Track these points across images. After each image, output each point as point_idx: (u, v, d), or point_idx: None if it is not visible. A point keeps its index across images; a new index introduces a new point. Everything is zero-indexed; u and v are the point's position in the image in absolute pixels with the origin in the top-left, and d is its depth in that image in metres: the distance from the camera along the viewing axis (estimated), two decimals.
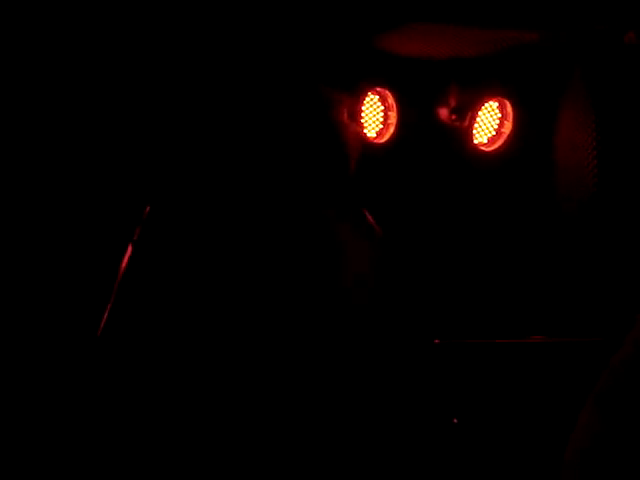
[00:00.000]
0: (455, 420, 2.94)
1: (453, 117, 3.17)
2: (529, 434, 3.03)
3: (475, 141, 3.21)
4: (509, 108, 3.18)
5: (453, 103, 3.16)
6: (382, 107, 3.14)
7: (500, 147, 3.21)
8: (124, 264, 2.99)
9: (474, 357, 3.07)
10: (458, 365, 3.04)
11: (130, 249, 3.00)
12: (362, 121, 3.14)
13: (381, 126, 3.16)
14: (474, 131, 3.19)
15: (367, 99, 3.13)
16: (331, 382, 2.91)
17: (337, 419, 2.90)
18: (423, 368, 3.05)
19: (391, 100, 3.14)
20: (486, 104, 3.17)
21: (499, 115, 3.20)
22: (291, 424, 2.87)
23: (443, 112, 3.17)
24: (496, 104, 3.18)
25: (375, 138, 3.17)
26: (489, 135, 3.21)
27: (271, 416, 2.86)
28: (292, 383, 2.89)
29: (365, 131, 3.15)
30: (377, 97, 3.14)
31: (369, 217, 2.97)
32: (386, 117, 3.15)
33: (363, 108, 3.14)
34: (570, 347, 3.06)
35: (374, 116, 3.15)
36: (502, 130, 3.20)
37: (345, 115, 3.13)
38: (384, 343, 3.00)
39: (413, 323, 3.10)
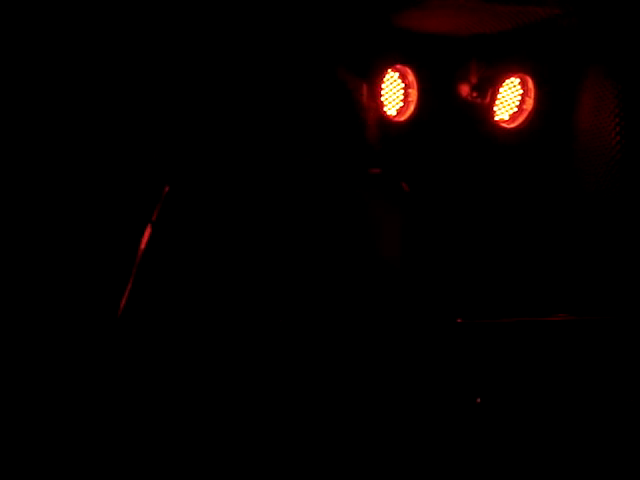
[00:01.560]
0: (478, 400, 2.93)
1: (474, 94, 3.14)
2: (552, 413, 3.02)
3: (496, 118, 3.18)
4: (531, 84, 3.15)
5: (474, 80, 3.13)
6: (402, 85, 3.12)
7: (522, 124, 3.18)
8: (143, 245, 2.98)
9: (497, 336, 3.05)
10: (481, 344, 3.02)
11: (149, 230, 3.00)
12: (382, 99, 3.12)
13: (402, 104, 3.14)
14: (495, 108, 3.16)
15: (387, 77, 3.11)
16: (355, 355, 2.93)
17: (358, 395, 2.91)
18: (446, 347, 3.04)
19: (411, 77, 3.12)
20: (507, 80, 3.14)
21: (520, 92, 3.17)
22: (312, 394, 2.89)
23: (464, 89, 3.15)
24: (518, 80, 3.15)
25: (396, 116, 3.15)
26: (511, 112, 3.18)
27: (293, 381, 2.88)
28: (316, 352, 2.91)
29: (386, 109, 3.13)
30: (397, 74, 3.12)
31: (399, 189, 2.98)
32: (406, 95, 3.13)
33: (383, 86, 3.11)
34: (594, 325, 3.03)
35: (394, 94, 3.13)
36: (524, 107, 3.17)
37: (365, 96, 3.12)
38: (408, 321, 3.00)
39: (436, 302, 3.09)
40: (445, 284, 3.18)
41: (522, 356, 3.05)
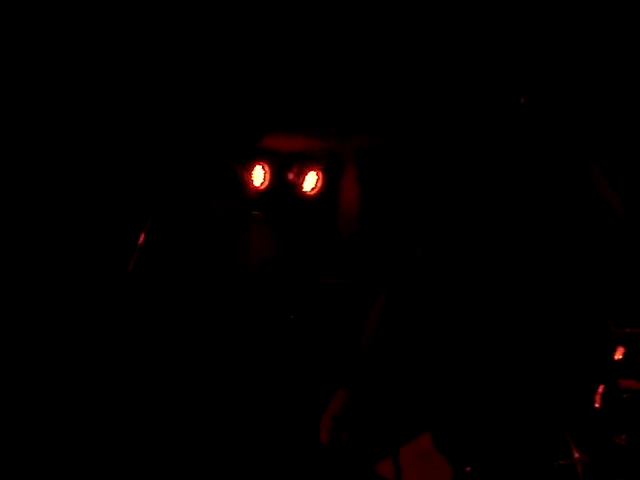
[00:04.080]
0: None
1: (294, 177, 6.80)
2: None
3: (304, 189, 6.86)
4: (319, 175, 6.87)
5: (295, 171, 6.80)
6: (263, 171, 6.72)
7: (316, 193, 6.88)
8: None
9: None
10: None
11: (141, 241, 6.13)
12: (252, 178, 6.68)
13: (262, 180, 6.72)
14: (303, 184, 6.84)
15: (256, 167, 6.69)
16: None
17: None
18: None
19: (267, 169, 6.73)
20: (310, 172, 6.85)
21: (315, 178, 6.88)
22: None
23: (290, 175, 6.81)
24: (314, 172, 6.87)
25: (259, 187, 6.72)
26: (311, 187, 6.87)
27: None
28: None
29: (254, 183, 6.69)
30: (261, 167, 6.71)
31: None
32: (264, 177, 6.73)
33: (253, 172, 6.69)
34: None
35: (259, 176, 6.71)
36: (317, 185, 6.88)
37: (244, 175, 6.66)
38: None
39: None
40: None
41: None
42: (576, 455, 3.64)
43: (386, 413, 2.19)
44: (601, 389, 3.50)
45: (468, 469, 2.23)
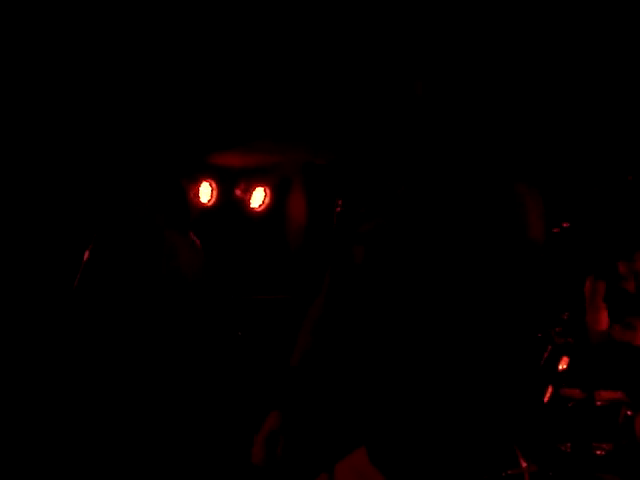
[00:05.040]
0: None
1: (242, 193, 6.80)
2: None
3: (251, 205, 6.86)
4: (268, 191, 6.88)
5: (242, 187, 6.80)
6: (210, 188, 6.70)
7: (264, 209, 6.89)
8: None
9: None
10: None
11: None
12: (200, 194, 6.67)
13: (209, 197, 6.70)
14: (251, 200, 6.84)
15: (203, 183, 6.67)
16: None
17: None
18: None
19: (214, 185, 6.71)
20: (257, 188, 6.85)
21: (263, 194, 6.89)
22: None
23: (238, 191, 6.80)
24: (262, 188, 6.87)
25: (206, 203, 6.70)
26: (259, 203, 6.87)
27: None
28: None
29: (201, 199, 6.68)
30: (208, 183, 6.70)
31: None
32: (212, 193, 6.71)
33: (200, 188, 6.67)
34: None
35: (206, 192, 6.70)
36: (265, 201, 6.88)
37: (191, 192, 6.65)
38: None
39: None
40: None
41: None
42: (524, 464, 3.73)
43: (320, 431, 2.11)
44: (546, 398, 3.57)
45: None
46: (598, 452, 3.66)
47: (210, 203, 6.71)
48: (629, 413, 3.80)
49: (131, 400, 3.86)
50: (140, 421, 3.83)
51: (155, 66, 5.16)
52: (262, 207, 6.91)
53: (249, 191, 6.84)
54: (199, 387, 4.14)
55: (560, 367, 3.67)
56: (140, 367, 3.89)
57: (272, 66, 4.68)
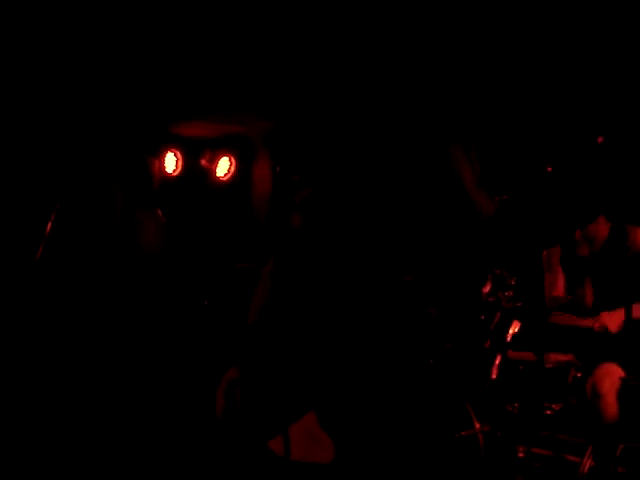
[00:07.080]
0: None
1: (207, 163, 6.84)
2: None
3: (217, 174, 6.91)
4: (233, 160, 6.93)
5: (208, 157, 6.84)
6: (175, 158, 6.74)
7: (229, 179, 6.93)
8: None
9: None
10: None
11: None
12: (165, 165, 6.71)
13: (174, 167, 6.74)
14: (217, 169, 6.89)
15: (168, 153, 6.71)
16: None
17: None
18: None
19: (179, 155, 6.75)
20: (222, 157, 6.89)
21: (229, 163, 6.93)
22: None
23: (203, 161, 6.84)
24: (227, 158, 6.92)
25: (171, 173, 6.74)
26: (224, 172, 6.92)
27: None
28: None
29: (166, 169, 6.72)
30: (172, 153, 6.73)
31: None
32: (177, 163, 6.75)
33: (165, 158, 6.70)
34: None
35: (171, 162, 6.73)
36: (230, 170, 6.93)
37: (157, 163, 6.68)
38: None
39: None
40: None
41: None
42: (477, 425, 3.85)
43: (274, 390, 2.22)
44: (497, 361, 3.67)
45: None
46: (548, 412, 3.79)
47: (175, 173, 6.74)
48: (578, 375, 3.92)
49: (105, 372, 3.93)
50: (115, 390, 3.92)
51: (117, 36, 5.19)
52: (228, 176, 6.95)
53: (214, 161, 6.88)
54: (169, 356, 4.19)
55: (511, 331, 3.77)
56: (107, 341, 3.93)
57: (229, 38, 4.73)
